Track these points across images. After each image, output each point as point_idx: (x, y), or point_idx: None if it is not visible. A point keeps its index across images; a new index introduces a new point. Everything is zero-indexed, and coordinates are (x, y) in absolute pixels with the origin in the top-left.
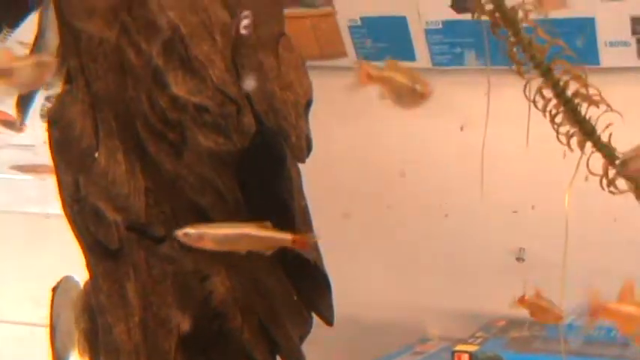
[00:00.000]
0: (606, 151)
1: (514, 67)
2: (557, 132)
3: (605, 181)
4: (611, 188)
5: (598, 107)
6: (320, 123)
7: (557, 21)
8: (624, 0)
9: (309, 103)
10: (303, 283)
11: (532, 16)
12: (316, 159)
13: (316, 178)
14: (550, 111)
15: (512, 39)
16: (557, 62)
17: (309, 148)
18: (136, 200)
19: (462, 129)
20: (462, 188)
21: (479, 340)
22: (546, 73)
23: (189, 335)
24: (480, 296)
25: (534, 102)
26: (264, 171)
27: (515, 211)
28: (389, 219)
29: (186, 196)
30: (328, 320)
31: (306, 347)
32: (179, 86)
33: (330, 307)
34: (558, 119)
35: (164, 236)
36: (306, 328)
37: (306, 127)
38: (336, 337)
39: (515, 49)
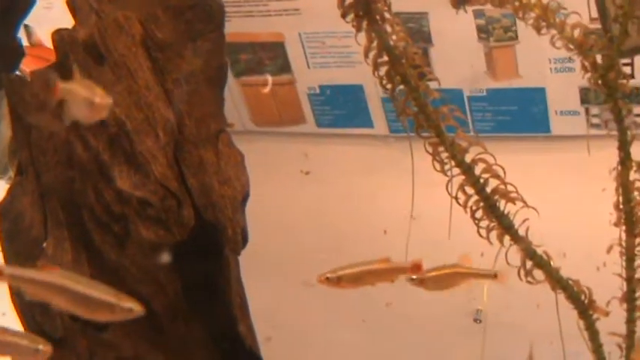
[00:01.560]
0: (523, 244)
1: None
2: (478, 226)
3: (522, 272)
4: (529, 278)
5: (515, 204)
6: (279, 186)
7: (510, 90)
8: (573, 71)
9: (245, 197)
10: None
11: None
12: (274, 222)
13: (275, 241)
14: (471, 207)
15: (434, 139)
16: (477, 161)
17: (244, 241)
18: None
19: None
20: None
21: None
22: (467, 172)
23: None
24: (440, 357)
25: (456, 198)
26: (202, 262)
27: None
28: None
29: (127, 285)
30: None
31: None
32: (123, 180)
33: None
34: (478, 214)
35: (106, 325)
36: None
37: (243, 220)
38: None
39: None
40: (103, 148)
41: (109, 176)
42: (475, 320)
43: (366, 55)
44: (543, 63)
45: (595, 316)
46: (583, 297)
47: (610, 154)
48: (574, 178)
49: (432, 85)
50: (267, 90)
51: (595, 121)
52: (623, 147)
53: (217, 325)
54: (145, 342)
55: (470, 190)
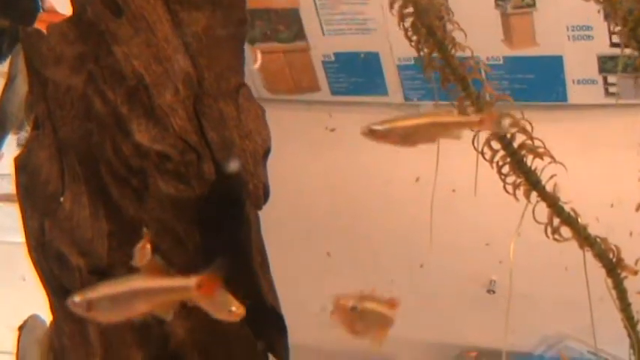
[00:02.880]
0: (550, 200)
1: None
2: (504, 182)
3: (549, 229)
4: (556, 236)
5: (542, 159)
6: (294, 155)
7: (527, 59)
8: (592, 39)
9: (267, 152)
10: (261, 325)
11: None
12: (289, 190)
13: (292, 211)
14: (497, 162)
15: (461, 93)
16: (503, 115)
17: (266, 196)
18: (99, 244)
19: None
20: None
21: None
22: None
23: None
24: (452, 327)
25: (482, 153)
26: (223, 217)
27: (487, 244)
28: (364, 252)
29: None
30: None
31: None
32: (142, 134)
33: (286, 348)
34: (505, 170)
35: None
36: None
37: (264, 175)
38: None
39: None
40: (121, 101)
41: (127, 130)
42: (488, 291)
43: (392, 7)
44: (561, 30)
45: (623, 274)
46: (611, 255)
47: (627, 122)
48: (591, 147)
49: None
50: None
51: (613, 90)
52: None
53: (238, 282)
54: None
55: (496, 146)
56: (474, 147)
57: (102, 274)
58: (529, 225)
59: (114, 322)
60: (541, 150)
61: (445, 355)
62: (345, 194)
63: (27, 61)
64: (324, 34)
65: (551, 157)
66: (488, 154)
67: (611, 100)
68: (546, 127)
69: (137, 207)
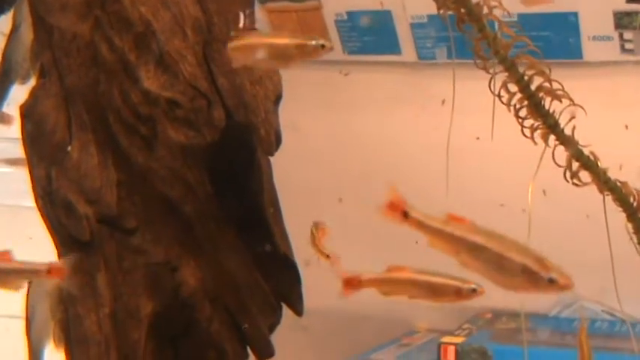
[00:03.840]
0: (569, 143)
1: (479, 62)
2: (522, 125)
3: (568, 174)
4: (575, 180)
5: (561, 101)
6: (306, 114)
7: (542, 15)
8: None
9: (278, 98)
10: (273, 274)
11: (499, 12)
12: (301, 149)
13: (305, 167)
14: (514, 105)
15: (477, 35)
16: (521, 57)
17: (278, 142)
18: (107, 193)
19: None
20: (448, 182)
21: (465, 332)
22: (510, 68)
23: (158, 325)
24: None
25: (499, 96)
26: (234, 164)
27: (502, 205)
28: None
29: (156, 188)
30: (298, 311)
31: (296, 336)
32: (151, 81)
33: (299, 297)
34: (522, 113)
35: (135, 228)
36: (275, 318)
37: (276, 122)
38: (326, 328)
39: (480, 45)
40: (129, 48)
41: (135, 77)
42: None
43: None
44: None
45: None
46: (632, 199)
47: None
48: (608, 104)
49: None
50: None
51: (629, 46)
52: None
53: (250, 229)
54: (175, 246)
55: (513, 88)
56: (490, 90)
57: (111, 222)
58: (549, 183)
59: (123, 272)
60: (559, 92)
61: (460, 317)
62: (357, 153)
63: (31, 8)
64: None
65: (570, 99)
66: (505, 97)
67: (628, 57)
68: (563, 84)
69: (146, 155)
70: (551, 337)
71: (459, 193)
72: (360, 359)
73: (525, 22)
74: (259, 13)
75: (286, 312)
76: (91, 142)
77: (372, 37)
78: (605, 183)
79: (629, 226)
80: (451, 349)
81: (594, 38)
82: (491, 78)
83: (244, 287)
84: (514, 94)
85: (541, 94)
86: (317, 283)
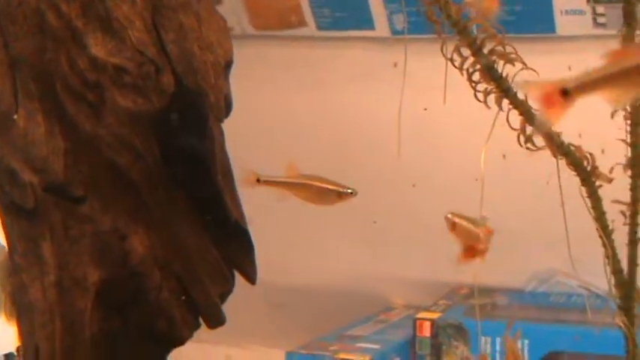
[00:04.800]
0: (522, 108)
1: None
2: (475, 90)
3: (522, 138)
4: (529, 145)
5: (514, 65)
6: (279, 90)
7: None
8: None
9: (229, 64)
10: (225, 241)
11: None
12: (276, 126)
13: (276, 144)
14: (467, 69)
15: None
16: (474, 21)
17: (228, 108)
18: (54, 161)
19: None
20: (426, 159)
21: (441, 308)
22: (462, 32)
23: (106, 294)
24: (443, 265)
25: (452, 60)
26: (184, 130)
27: (476, 179)
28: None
29: (104, 156)
30: (251, 278)
31: (276, 312)
32: (98, 47)
33: (252, 265)
34: (475, 77)
35: (83, 196)
36: (227, 287)
37: (226, 87)
38: (305, 305)
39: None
40: (76, 14)
41: (82, 44)
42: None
43: None
44: None
45: (598, 183)
46: (585, 163)
47: None
48: None
49: None
50: None
51: (601, 20)
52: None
53: (201, 196)
54: (124, 214)
55: (466, 52)
56: (443, 54)
57: (57, 190)
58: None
59: (70, 240)
60: (512, 56)
61: (437, 293)
62: (331, 130)
63: None
64: None
65: (523, 63)
66: (457, 61)
67: (600, 31)
68: (535, 59)
69: (94, 123)
70: (526, 312)
71: (431, 178)
72: (338, 335)
73: None
74: None
75: (264, 289)
76: (38, 110)
77: (344, 12)
78: (558, 147)
79: (583, 190)
80: (427, 325)
81: (567, 12)
82: (443, 42)
83: (195, 255)
84: (467, 58)
85: (494, 58)
86: (297, 262)
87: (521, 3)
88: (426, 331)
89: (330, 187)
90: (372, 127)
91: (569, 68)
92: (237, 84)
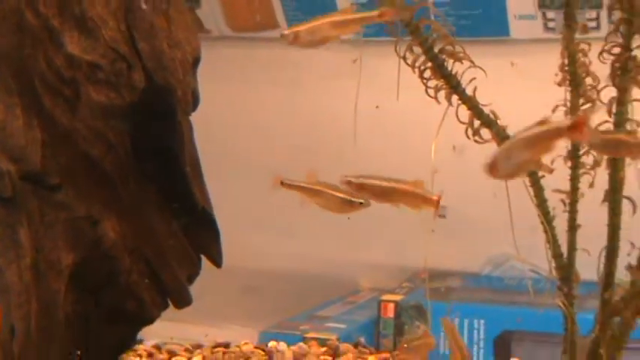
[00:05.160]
0: (470, 103)
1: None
2: (426, 87)
3: (470, 131)
4: (476, 137)
5: (462, 63)
6: (254, 88)
7: None
8: None
9: (196, 61)
10: (192, 228)
11: None
12: (251, 122)
13: (249, 137)
14: (419, 67)
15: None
16: (424, 22)
17: (195, 102)
18: (32, 152)
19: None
20: (384, 150)
21: (404, 291)
22: (414, 32)
23: (79, 276)
24: (406, 251)
25: (404, 58)
26: (153, 123)
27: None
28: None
29: (79, 147)
30: (217, 262)
31: (249, 296)
32: (74, 45)
33: (218, 250)
34: (427, 74)
35: (59, 184)
36: (194, 270)
37: (193, 83)
38: (277, 288)
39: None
40: (52, 14)
41: (59, 42)
42: (440, 216)
43: None
44: None
45: (540, 173)
46: None
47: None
48: (532, 77)
49: None
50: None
51: (551, 25)
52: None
53: (169, 186)
54: (97, 202)
55: (418, 50)
56: (396, 52)
57: (35, 179)
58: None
59: (45, 225)
60: (461, 55)
61: (399, 277)
62: (301, 125)
63: None
64: None
65: (471, 61)
66: (410, 59)
67: (550, 35)
68: (490, 61)
69: (70, 116)
70: (482, 294)
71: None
72: (308, 315)
73: (457, 2)
74: None
75: (239, 274)
76: (17, 104)
77: (315, 15)
78: (503, 139)
79: (527, 179)
80: (390, 306)
81: (520, 17)
82: (396, 41)
83: (163, 240)
84: (418, 56)
85: (443, 56)
86: (267, 246)
87: (479, 8)
88: (390, 312)
89: (343, 196)
90: (337, 121)
91: (512, 64)
92: (215, 82)
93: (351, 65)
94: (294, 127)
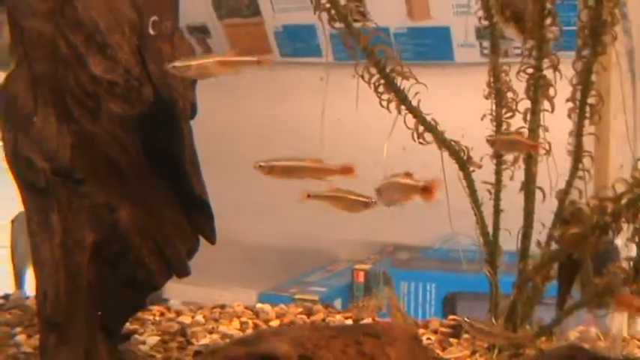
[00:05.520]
0: (415, 112)
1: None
2: (380, 99)
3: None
4: (421, 140)
5: (408, 80)
6: (253, 101)
7: (425, 29)
8: (470, 14)
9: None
10: (192, 213)
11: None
12: (247, 127)
13: (246, 141)
14: (374, 83)
15: (345, 30)
16: (378, 47)
17: (193, 111)
18: (63, 153)
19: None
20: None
21: (372, 261)
22: (370, 55)
23: (99, 252)
24: (376, 230)
25: (362, 77)
26: (160, 129)
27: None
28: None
29: (100, 149)
30: (211, 240)
31: (249, 266)
32: (96, 67)
33: (212, 230)
34: (380, 89)
35: (83, 179)
36: (192, 246)
37: (192, 96)
38: (271, 260)
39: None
40: (80, 42)
41: (85, 64)
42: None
43: None
44: (448, 7)
45: (471, 168)
46: (462, 154)
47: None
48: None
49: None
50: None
51: (486, 52)
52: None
53: (173, 179)
54: (114, 193)
55: (373, 70)
56: (355, 71)
57: (65, 174)
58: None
59: (72, 211)
60: (407, 74)
61: (371, 250)
62: (294, 128)
63: (9, 13)
64: (274, 11)
65: (415, 78)
66: (367, 77)
67: (485, 59)
68: (439, 80)
69: (93, 124)
70: (433, 264)
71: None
72: (295, 281)
73: (413, 33)
74: (219, 27)
75: (241, 248)
76: (52, 114)
77: (301, 44)
78: (442, 142)
79: (461, 173)
80: (361, 274)
81: (462, 45)
82: (356, 63)
83: (168, 223)
84: (373, 75)
85: (394, 75)
86: (264, 227)
87: (431, 38)
88: (361, 278)
89: (359, 198)
90: (312, 126)
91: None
92: (222, 96)
93: (321, 82)
94: (280, 132)
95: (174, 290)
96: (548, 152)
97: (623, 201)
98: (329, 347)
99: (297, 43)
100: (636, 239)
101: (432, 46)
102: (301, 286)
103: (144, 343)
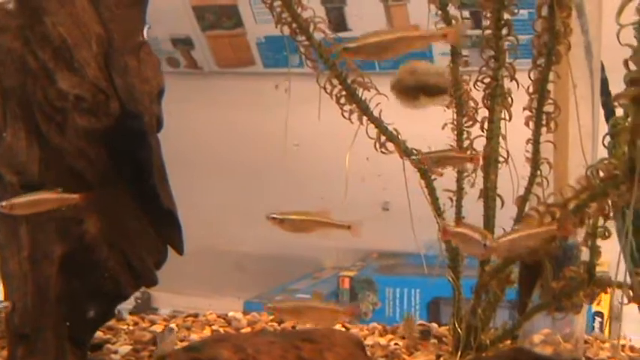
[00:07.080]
0: (377, 123)
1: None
2: (342, 110)
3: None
4: (382, 149)
5: (369, 91)
6: (234, 114)
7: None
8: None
9: (161, 92)
10: (160, 224)
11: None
12: (235, 139)
13: (227, 153)
14: (336, 95)
15: (306, 43)
16: (340, 58)
17: (159, 125)
18: (32, 166)
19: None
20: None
21: (357, 268)
22: (332, 67)
23: (67, 264)
24: (360, 237)
25: (325, 88)
26: (126, 142)
27: (379, 175)
28: (288, 183)
29: (67, 162)
30: (179, 250)
31: (238, 274)
32: (64, 82)
33: (180, 241)
34: (342, 100)
35: None
36: (160, 257)
37: (158, 109)
38: (260, 268)
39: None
40: (48, 58)
41: (53, 79)
42: (383, 209)
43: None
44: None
45: (433, 177)
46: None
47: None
48: None
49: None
50: None
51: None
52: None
53: (141, 191)
54: (81, 205)
55: (335, 82)
56: (318, 83)
57: (33, 187)
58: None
59: (40, 224)
60: (369, 85)
61: (355, 257)
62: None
63: None
64: (256, 22)
65: (376, 89)
66: (329, 88)
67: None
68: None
69: (60, 137)
70: (418, 270)
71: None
72: (283, 288)
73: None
74: (202, 38)
75: (229, 256)
76: (21, 129)
77: (282, 54)
78: (404, 151)
79: (422, 182)
80: (347, 280)
81: (443, 54)
82: (317, 74)
83: (135, 234)
84: (335, 86)
85: (355, 86)
86: (251, 235)
87: None
88: (346, 284)
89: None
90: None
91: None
92: (207, 107)
93: (309, 91)
94: (262, 140)
95: (164, 299)
96: (506, 160)
97: (570, 207)
98: (269, 353)
99: (279, 53)
100: (588, 243)
101: (414, 54)
102: (287, 294)
103: (116, 352)
